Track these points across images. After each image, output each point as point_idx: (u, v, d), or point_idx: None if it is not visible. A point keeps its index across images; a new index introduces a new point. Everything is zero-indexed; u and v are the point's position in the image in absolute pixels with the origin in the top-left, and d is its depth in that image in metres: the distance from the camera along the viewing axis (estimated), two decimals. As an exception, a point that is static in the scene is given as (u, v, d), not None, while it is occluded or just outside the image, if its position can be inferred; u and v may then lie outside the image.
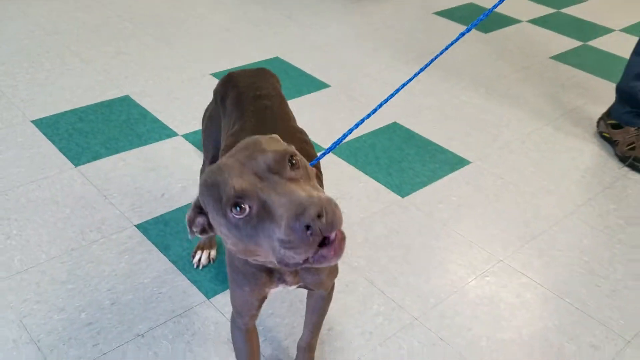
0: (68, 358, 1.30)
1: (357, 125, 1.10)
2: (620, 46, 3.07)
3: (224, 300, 1.48)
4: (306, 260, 0.74)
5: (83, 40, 2.69)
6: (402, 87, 1.12)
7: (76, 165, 1.89)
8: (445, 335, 1.44)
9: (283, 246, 0.72)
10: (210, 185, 0.79)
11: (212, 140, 1.40)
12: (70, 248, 1.59)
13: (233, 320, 1.14)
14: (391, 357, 1.37)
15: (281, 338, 1.40)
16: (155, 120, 2.16)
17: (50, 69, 2.43)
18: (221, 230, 0.80)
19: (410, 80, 1.14)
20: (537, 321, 1.50)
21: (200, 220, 0.85)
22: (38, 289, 1.46)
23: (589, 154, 2.20)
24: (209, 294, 1.50)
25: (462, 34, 1.20)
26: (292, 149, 0.80)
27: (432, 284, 1.58)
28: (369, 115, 1.13)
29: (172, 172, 1.91)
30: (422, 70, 1.14)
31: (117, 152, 1.97)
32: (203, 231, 0.86)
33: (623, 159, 2.13)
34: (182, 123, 2.15)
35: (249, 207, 0.74)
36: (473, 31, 3.11)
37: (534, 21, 3.31)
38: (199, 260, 1.58)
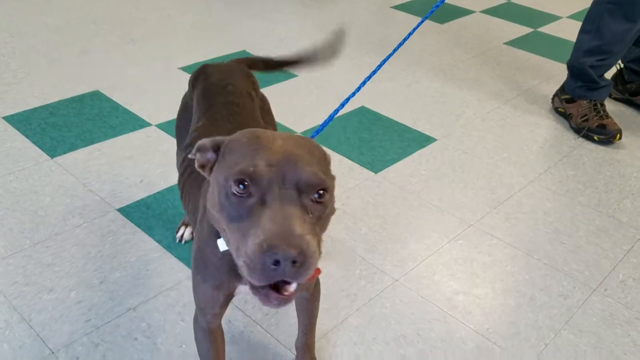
0: (61, 334, 1.32)
1: (343, 104, 1.14)
2: (568, 31, 3.24)
3: (211, 274, 1.52)
4: (251, 284, 0.70)
5: (47, 40, 2.69)
6: (377, 69, 1.19)
7: (52, 157, 1.90)
8: (425, 294, 1.51)
9: (245, 259, 0.67)
10: (243, 144, 0.75)
11: (185, 128, 1.36)
12: (54, 233, 1.60)
13: (195, 319, 1.07)
14: (376, 315, 1.44)
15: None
16: (127, 112, 2.18)
17: (16, 69, 2.42)
18: (213, 185, 0.77)
19: (382, 63, 1.20)
20: (509, 276, 1.60)
21: (209, 155, 0.80)
22: (25, 272, 1.48)
23: (546, 128, 2.32)
24: (196, 268, 1.53)
25: (424, 19, 1.29)
26: (330, 184, 0.74)
27: (410, 248, 1.66)
28: (354, 93, 1.18)
29: (149, 159, 1.94)
30: (391, 54, 1.21)
31: (92, 143, 1.99)
32: (201, 166, 0.81)
33: (578, 131, 2.26)
34: (154, 114, 2.18)
35: (250, 193, 0.70)
36: (429, 22, 3.23)
37: (487, 11, 3.46)
38: (182, 235, 1.61)
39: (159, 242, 1.61)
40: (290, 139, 0.76)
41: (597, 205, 1.89)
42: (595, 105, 2.24)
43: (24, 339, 1.30)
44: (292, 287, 0.69)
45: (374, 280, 1.54)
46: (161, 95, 2.31)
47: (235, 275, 0.90)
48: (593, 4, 2.15)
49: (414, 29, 1.29)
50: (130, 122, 2.13)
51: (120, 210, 1.71)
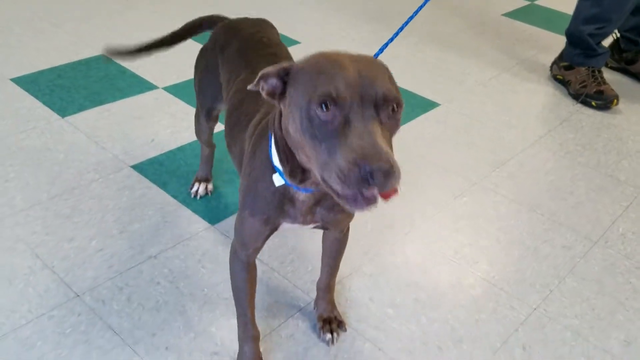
0: (85, 279, 1.36)
1: (391, 39, 1.16)
2: (564, 3, 3.28)
3: (227, 226, 1.56)
4: (338, 194, 0.73)
5: (49, 7, 2.68)
6: (405, 24, 1.22)
7: (63, 116, 1.92)
8: (433, 246, 1.57)
9: (337, 173, 0.70)
10: (318, 67, 0.77)
11: (209, 90, 1.38)
12: (71, 187, 1.63)
13: (234, 253, 1.10)
14: (388, 265, 1.49)
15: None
16: (134, 76, 2.20)
17: (20, 33, 2.43)
18: (292, 110, 0.78)
19: (409, 20, 1.23)
20: (513, 229, 1.65)
21: (274, 82, 0.81)
22: (44, 222, 1.51)
23: (545, 94, 2.38)
24: (212, 221, 1.57)
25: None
26: (402, 99, 0.78)
27: (417, 206, 1.71)
28: (397, 33, 1.20)
29: (158, 120, 1.96)
30: (417, 11, 1.24)
31: (101, 104, 2.01)
32: (269, 93, 0.82)
33: (576, 97, 2.32)
34: (160, 77, 2.21)
35: (333, 114, 0.73)
36: (428, -6, 3.26)
37: (483, -16, 3.50)
38: (197, 191, 1.65)
39: (174, 196, 1.64)
40: (361, 60, 0.78)
41: (597, 165, 1.95)
42: (593, 72, 2.30)
43: (49, 284, 1.34)
44: (375, 194, 0.72)
45: (384, 233, 1.59)
46: (167, 60, 2.33)
47: (282, 211, 0.96)
48: (593, -29, 2.20)
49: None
50: (137, 85, 2.15)
51: (134, 167, 1.74)
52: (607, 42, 2.45)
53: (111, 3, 2.79)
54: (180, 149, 1.84)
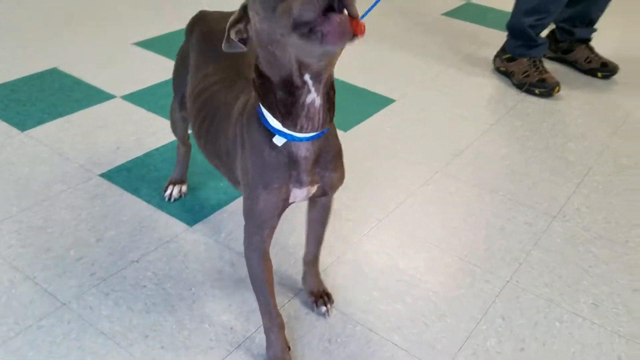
0: (69, 287, 1.34)
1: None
2: (497, 1, 3.46)
3: (206, 227, 1.57)
4: (319, 23, 0.75)
5: (-11, 23, 2.61)
6: (370, 9, 1.28)
7: (22, 130, 1.88)
8: (407, 230, 1.63)
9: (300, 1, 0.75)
10: None
11: (181, 78, 1.42)
12: (40, 199, 1.60)
13: (249, 242, 1.12)
14: (366, 250, 1.55)
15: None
16: (90, 87, 2.17)
17: (-37, 50, 2.35)
18: (254, 10, 0.85)
19: (372, 8, 1.29)
20: (478, 211, 1.74)
21: (241, 24, 0.92)
22: (19, 235, 1.47)
23: (491, 86, 2.50)
24: (190, 222, 1.58)
25: None
26: None
27: (387, 194, 1.77)
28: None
29: (121, 128, 1.95)
30: (374, 5, 1.30)
31: (60, 116, 1.97)
32: (239, 32, 0.92)
33: (520, 86, 2.45)
34: (117, 87, 2.19)
35: None
36: (370, -3, 3.37)
37: (422, -13, 3.64)
38: (171, 194, 1.65)
39: (147, 201, 1.64)
40: None
41: (546, 148, 2.08)
42: (534, 62, 2.44)
43: (32, 295, 1.31)
44: (343, 16, 0.75)
45: (360, 222, 1.64)
46: (121, 70, 2.31)
47: (290, 176, 1.02)
48: (529, -33, 2.34)
49: None
50: (94, 95, 2.12)
51: (103, 175, 1.72)
52: (543, 33, 2.61)
53: (59, 18, 2.73)
54: (148, 154, 1.83)
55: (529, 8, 2.36)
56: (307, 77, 0.89)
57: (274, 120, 0.96)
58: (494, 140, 2.11)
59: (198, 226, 1.57)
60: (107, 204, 1.61)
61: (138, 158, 1.81)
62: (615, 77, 2.61)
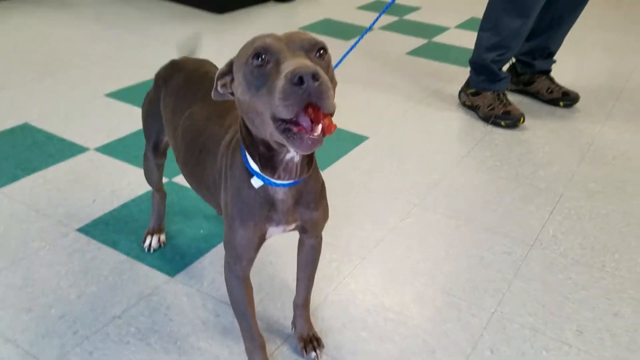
0: (52, 348, 1.31)
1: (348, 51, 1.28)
2: (458, 39, 3.58)
3: (188, 276, 1.55)
4: (295, 123, 0.80)
5: (-45, 81, 2.58)
6: (342, 59, 1.34)
7: (-6, 188, 1.85)
8: (391, 266, 1.65)
9: (278, 97, 0.78)
10: (247, 43, 0.89)
11: (154, 124, 1.44)
12: (18, 258, 1.56)
13: (229, 269, 1.15)
14: (353, 289, 1.55)
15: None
16: (63, 140, 2.15)
17: None
18: (238, 78, 0.89)
19: (358, 40, 1.35)
20: (458, 242, 1.77)
21: (227, 77, 0.94)
22: (-4, 297, 1.43)
23: (458, 120, 2.57)
24: (171, 272, 1.56)
25: (380, 15, 1.50)
26: (325, 44, 0.89)
27: (368, 230, 1.79)
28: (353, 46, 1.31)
29: (97, 181, 1.93)
30: (350, 50, 1.36)
31: (34, 171, 1.95)
32: (224, 86, 0.95)
33: (486, 119, 2.53)
34: (90, 139, 2.18)
35: (267, 60, 0.84)
36: (338, 41, 3.45)
37: (384, 28, 3.74)
38: (150, 244, 1.63)
39: (127, 254, 1.62)
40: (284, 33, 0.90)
41: (516, 177, 2.13)
42: (498, 95, 2.52)
43: (14, 359, 1.27)
44: (318, 128, 0.81)
45: (343, 261, 1.65)
46: (94, 121, 2.30)
47: (266, 215, 1.04)
48: (489, 5, 2.44)
49: (376, 20, 1.55)
50: (68, 148, 2.10)
51: (80, 230, 1.69)
52: (504, 67, 2.70)
53: (27, 72, 2.72)
54: (124, 206, 1.82)
55: (490, 44, 2.45)
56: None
57: (254, 163, 0.99)
58: (466, 171, 2.15)
59: (179, 276, 1.56)
60: (87, 259, 1.59)
61: (115, 210, 1.80)
62: (577, 105, 2.71)
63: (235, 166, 1.04)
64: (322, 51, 0.88)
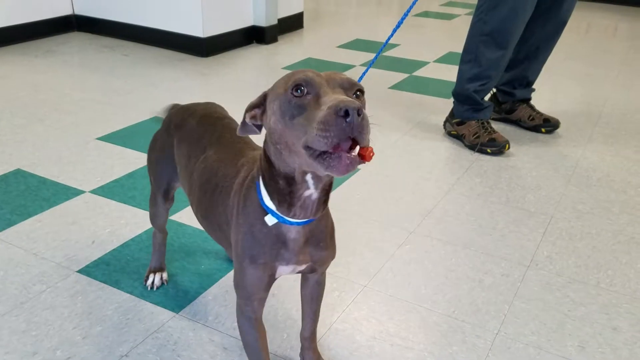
0: (60, 390, 1.29)
1: (386, 42, 1.33)
2: (437, 72, 3.69)
3: (193, 312, 1.55)
4: (330, 154, 0.80)
5: (-56, 130, 2.58)
6: (393, 33, 1.40)
7: (-9, 234, 1.84)
8: (393, 292, 1.66)
9: (318, 127, 0.79)
10: (285, 76, 0.91)
11: (166, 170, 1.43)
12: (19, 302, 1.55)
13: (240, 312, 1.15)
14: (357, 317, 1.56)
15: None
16: (56, 184, 2.16)
17: None
18: (272, 108, 0.89)
19: (396, 28, 1.41)
20: (456, 267, 1.80)
21: (257, 110, 0.95)
22: (1, 342, 1.41)
23: (445, 149, 2.63)
24: (176, 309, 1.56)
25: (404, 16, 1.70)
26: (363, 87, 0.91)
27: (367, 259, 1.81)
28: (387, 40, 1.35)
29: (94, 222, 1.93)
30: (395, 30, 1.41)
31: (30, 216, 1.94)
32: (254, 118, 0.96)
33: (472, 147, 2.59)
34: (84, 182, 2.18)
35: (307, 92, 0.85)
36: (319, 76, 3.53)
37: (365, 64, 3.84)
38: (152, 282, 1.63)
39: (130, 293, 1.62)
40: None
41: (507, 201, 2.19)
42: (482, 123, 2.60)
43: (22, 403, 1.25)
44: (356, 150, 0.82)
45: (345, 289, 1.67)
46: (87, 165, 2.31)
47: (277, 254, 1.04)
48: (468, 38, 2.53)
49: (398, 25, 1.70)
50: (62, 192, 2.11)
51: (81, 271, 1.69)
52: (486, 97, 2.79)
53: (16, 119, 2.73)
54: (124, 245, 1.82)
55: (471, 75, 2.54)
56: (308, 177, 0.94)
57: (269, 200, 0.99)
58: (457, 198, 2.20)
59: (184, 312, 1.55)
60: (89, 300, 1.58)
61: (115, 250, 1.80)
62: (558, 131, 2.80)
63: (249, 203, 1.04)
64: (359, 92, 0.90)
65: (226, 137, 1.27)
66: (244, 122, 0.98)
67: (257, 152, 1.20)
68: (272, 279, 1.09)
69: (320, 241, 1.09)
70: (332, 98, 0.81)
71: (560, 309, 1.62)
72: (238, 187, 1.10)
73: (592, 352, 1.47)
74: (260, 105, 0.96)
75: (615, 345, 1.50)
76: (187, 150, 1.31)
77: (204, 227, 1.29)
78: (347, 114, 0.77)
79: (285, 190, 0.96)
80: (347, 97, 0.81)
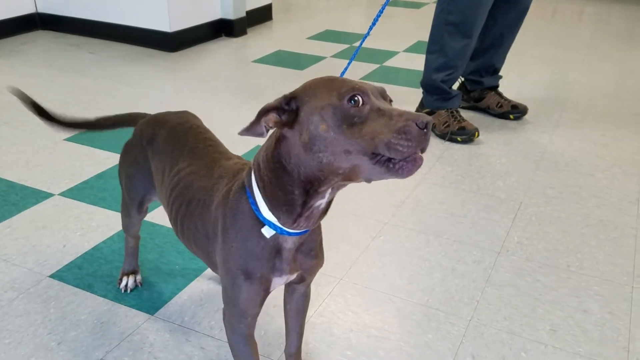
0: (35, 398, 1.28)
1: (366, 36, 1.34)
2: (407, 62, 3.72)
3: (168, 313, 1.55)
4: (400, 161, 0.82)
5: None
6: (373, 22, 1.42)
7: (-42, 241, 1.80)
8: (369, 285, 1.68)
9: (399, 136, 0.81)
10: (325, 81, 0.88)
11: (140, 183, 1.39)
12: (-10, 310, 1.53)
13: (232, 329, 1.13)
14: (334, 310, 1.57)
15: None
16: (25, 188, 2.12)
17: None
18: (319, 115, 0.86)
19: (377, 18, 1.41)
20: (429, 256, 1.82)
21: (278, 115, 0.89)
22: (-28, 352, 1.40)
23: (417, 139, 2.65)
24: (151, 311, 1.55)
25: (382, 10, 1.68)
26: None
27: (343, 252, 1.82)
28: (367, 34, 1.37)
29: (64, 225, 1.91)
30: (378, 16, 1.43)
31: (-2, 221, 1.91)
32: (268, 121, 0.88)
33: (443, 136, 2.62)
34: (53, 184, 2.15)
35: (364, 102, 0.84)
36: (291, 70, 3.52)
37: (336, 55, 3.85)
38: (126, 285, 1.62)
39: (104, 296, 1.60)
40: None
41: (477, 189, 2.22)
42: (452, 112, 2.63)
43: (-4, 413, 1.24)
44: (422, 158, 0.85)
45: (321, 283, 1.68)
46: (55, 167, 2.28)
47: (272, 265, 1.03)
48: (433, 29, 2.55)
49: (381, 11, 1.70)
50: (31, 196, 2.07)
51: (53, 276, 1.67)
52: (455, 86, 2.82)
53: (-24, 122, 2.67)
54: (96, 248, 1.80)
55: (438, 65, 2.56)
56: (331, 185, 0.90)
57: (268, 212, 0.96)
58: (430, 187, 2.23)
59: (160, 313, 1.55)
60: (63, 305, 1.56)
61: (86, 253, 1.78)
62: (526, 117, 2.84)
63: (239, 216, 1.01)
64: (389, 98, 0.93)
65: (199, 148, 1.23)
66: (256, 123, 0.89)
67: (233, 162, 1.16)
68: (267, 292, 1.07)
69: (311, 250, 1.09)
70: (402, 111, 0.84)
71: (532, 294, 1.66)
72: (221, 199, 1.06)
73: (564, 334, 1.51)
74: (280, 109, 0.89)
75: (586, 327, 1.54)
76: (161, 165, 1.27)
77: (183, 243, 1.25)
78: (426, 126, 0.82)
79: (298, 200, 0.92)
80: (419, 113, 0.84)
